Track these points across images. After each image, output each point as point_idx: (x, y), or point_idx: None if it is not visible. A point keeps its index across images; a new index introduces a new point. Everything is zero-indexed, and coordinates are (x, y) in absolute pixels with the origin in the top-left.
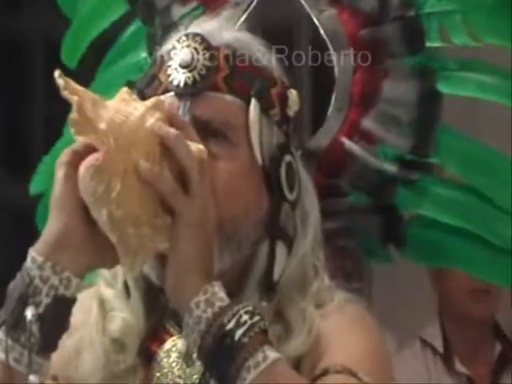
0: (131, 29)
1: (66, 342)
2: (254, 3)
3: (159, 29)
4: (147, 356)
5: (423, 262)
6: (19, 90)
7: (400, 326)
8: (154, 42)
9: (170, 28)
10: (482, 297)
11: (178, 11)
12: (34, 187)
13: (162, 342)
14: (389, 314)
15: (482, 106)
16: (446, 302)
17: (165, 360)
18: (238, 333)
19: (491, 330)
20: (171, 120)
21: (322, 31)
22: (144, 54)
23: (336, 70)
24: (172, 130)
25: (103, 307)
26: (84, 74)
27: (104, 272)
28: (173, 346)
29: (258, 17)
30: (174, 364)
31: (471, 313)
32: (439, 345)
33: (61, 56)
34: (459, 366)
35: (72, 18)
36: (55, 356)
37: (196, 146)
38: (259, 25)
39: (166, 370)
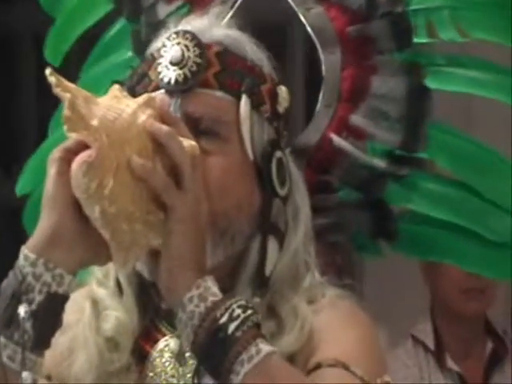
0: (116, 27)
1: (59, 341)
2: (240, 1)
3: (144, 27)
4: (140, 356)
5: (415, 257)
6: (10, 87)
7: (392, 324)
8: (139, 40)
9: (155, 26)
10: (475, 295)
11: (163, 9)
12: (21, 188)
13: (155, 341)
14: (381, 311)
15: (477, 102)
16: (438, 300)
17: (158, 360)
18: (231, 327)
19: (483, 328)
20: (163, 116)
21: (309, 29)
22: (129, 53)
23: (324, 66)
24: (164, 127)
25: (96, 306)
26: (69, 73)
27: (96, 271)
28: (165, 346)
29: (245, 14)
30: (167, 364)
31: (464, 310)
32: (431, 342)
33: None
34: (451, 364)
35: (55, 15)
36: (48, 355)
37: (188, 142)
38: (247, 22)
39: (159, 370)
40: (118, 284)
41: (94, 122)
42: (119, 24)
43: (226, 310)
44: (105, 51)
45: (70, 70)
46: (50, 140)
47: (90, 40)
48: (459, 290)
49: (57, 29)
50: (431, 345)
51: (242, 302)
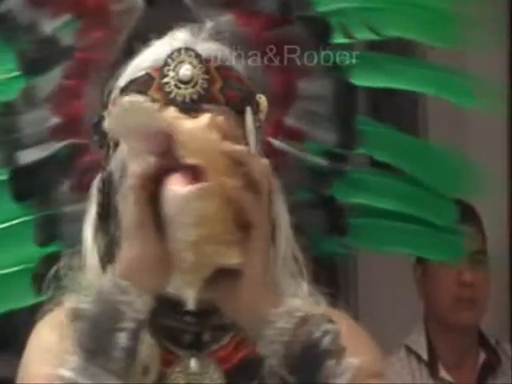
0: None
1: None
2: (140, 13)
3: (31, 45)
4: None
5: (368, 250)
6: None
7: (386, 334)
8: (26, 59)
9: (44, 43)
10: (467, 305)
11: (49, 26)
12: None
13: (168, 363)
14: (374, 321)
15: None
16: (431, 310)
17: (179, 379)
18: (325, 341)
19: (476, 339)
20: (227, 135)
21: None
22: (12, 74)
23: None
24: (240, 147)
25: None
26: None
27: None
28: (184, 366)
29: (151, 23)
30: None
31: (456, 320)
32: (424, 352)
33: None
34: (443, 374)
35: None
36: None
37: (263, 160)
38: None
39: None
40: None
41: (194, 148)
42: None
43: (317, 324)
44: None
45: None
46: None
47: None
48: (451, 300)
49: None
50: (424, 355)
51: (327, 317)
